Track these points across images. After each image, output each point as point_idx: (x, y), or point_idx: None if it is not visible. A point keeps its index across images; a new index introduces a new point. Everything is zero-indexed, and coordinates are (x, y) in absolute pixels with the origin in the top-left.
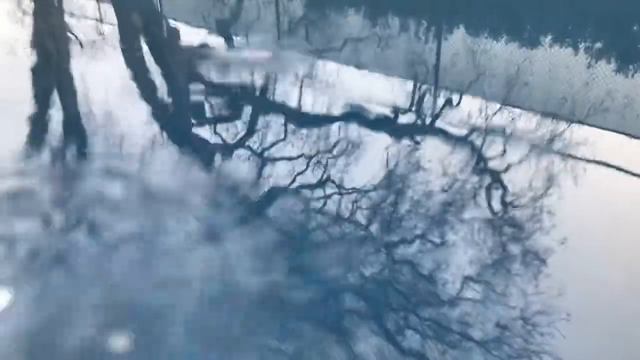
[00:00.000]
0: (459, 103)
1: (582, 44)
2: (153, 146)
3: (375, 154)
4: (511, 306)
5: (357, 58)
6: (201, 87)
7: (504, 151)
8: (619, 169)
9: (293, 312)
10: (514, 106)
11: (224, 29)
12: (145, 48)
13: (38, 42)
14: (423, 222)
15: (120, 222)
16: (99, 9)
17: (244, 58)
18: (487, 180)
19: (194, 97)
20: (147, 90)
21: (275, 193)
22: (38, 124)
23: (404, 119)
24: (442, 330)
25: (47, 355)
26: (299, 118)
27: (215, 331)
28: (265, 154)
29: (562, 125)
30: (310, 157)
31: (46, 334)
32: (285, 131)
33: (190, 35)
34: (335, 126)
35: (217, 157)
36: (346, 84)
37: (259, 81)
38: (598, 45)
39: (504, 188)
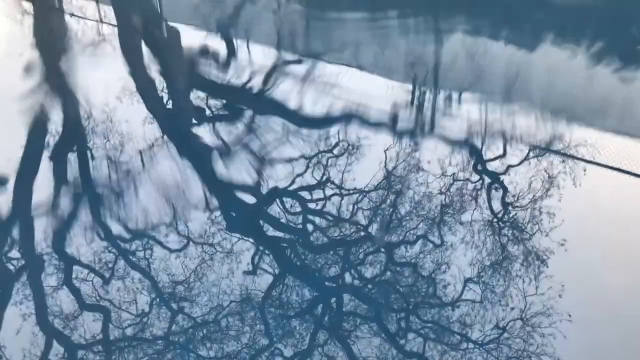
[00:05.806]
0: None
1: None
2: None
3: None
4: (511, 307)
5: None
6: (201, 86)
7: (504, 152)
8: (618, 170)
9: None
10: (513, 106)
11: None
12: (145, 48)
13: (38, 41)
14: (423, 223)
15: None
16: (99, 9)
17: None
18: (487, 181)
19: (194, 97)
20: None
21: None
22: (37, 123)
23: (403, 119)
24: (441, 330)
25: None
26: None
27: None
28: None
29: (561, 126)
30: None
31: None
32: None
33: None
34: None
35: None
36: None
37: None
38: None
39: (504, 189)
